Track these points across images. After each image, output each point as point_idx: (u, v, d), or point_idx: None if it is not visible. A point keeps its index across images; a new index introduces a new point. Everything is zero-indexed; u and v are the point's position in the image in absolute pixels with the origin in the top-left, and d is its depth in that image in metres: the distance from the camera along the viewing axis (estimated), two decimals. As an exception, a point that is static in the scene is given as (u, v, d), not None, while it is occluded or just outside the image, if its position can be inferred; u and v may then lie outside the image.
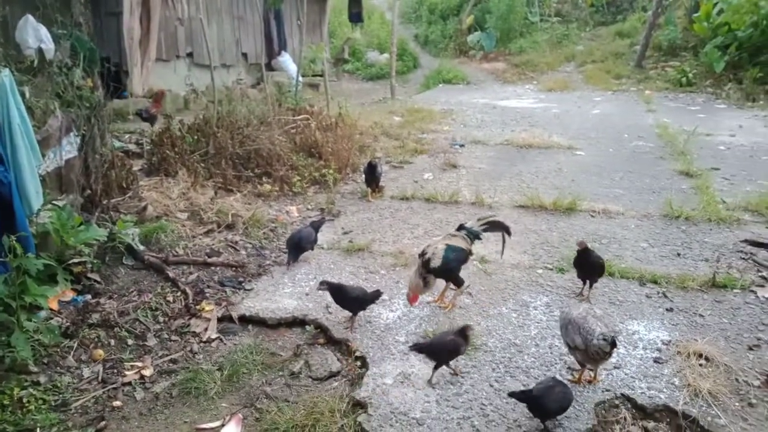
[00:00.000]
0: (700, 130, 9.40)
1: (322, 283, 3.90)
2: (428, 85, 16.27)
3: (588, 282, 4.23)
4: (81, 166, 5.00)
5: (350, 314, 3.92)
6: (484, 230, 4.17)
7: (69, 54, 5.06)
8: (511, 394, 2.97)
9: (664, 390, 3.21)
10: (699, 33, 14.88)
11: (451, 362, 3.33)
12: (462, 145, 8.89)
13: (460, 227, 4.17)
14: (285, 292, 4.39)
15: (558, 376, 3.18)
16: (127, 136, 8.20)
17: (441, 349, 3.29)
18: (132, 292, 4.33)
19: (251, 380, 3.44)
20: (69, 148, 4.79)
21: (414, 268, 4.06)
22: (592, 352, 3.04)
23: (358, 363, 3.56)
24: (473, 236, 4.12)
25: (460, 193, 6.48)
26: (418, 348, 3.36)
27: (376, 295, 3.91)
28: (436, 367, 3.29)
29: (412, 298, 4.00)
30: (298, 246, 4.78)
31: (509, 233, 4.17)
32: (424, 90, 15.78)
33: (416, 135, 9.46)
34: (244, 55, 13.65)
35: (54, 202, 4.43)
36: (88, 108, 5.07)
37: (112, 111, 8.23)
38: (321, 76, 11.89)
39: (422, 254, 3.99)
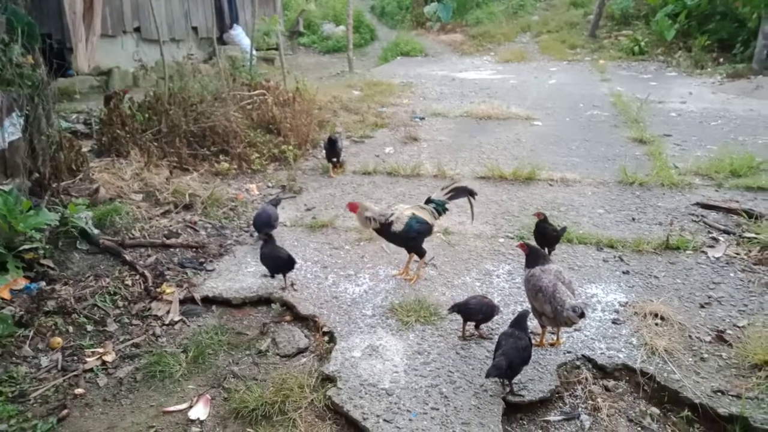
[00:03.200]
0: (652, 97, 9.66)
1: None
2: (386, 58, 16.12)
3: (546, 249, 4.33)
4: (26, 149, 4.74)
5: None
6: (450, 198, 4.18)
7: (5, 29, 4.76)
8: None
9: (623, 350, 3.34)
10: (650, 1, 15.18)
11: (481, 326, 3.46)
12: (422, 118, 8.88)
13: (428, 200, 4.17)
14: (248, 271, 4.33)
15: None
16: (74, 116, 7.86)
17: (477, 310, 3.38)
18: (88, 277, 4.19)
19: (218, 361, 3.40)
20: (12, 129, 4.54)
21: (377, 209, 4.06)
22: (560, 322, 3.13)
23: (326, 338, 3.56)
24: (441, 209, 4.14)
25: (422, 166, 6.49)
26: (456, 309, 3.43)
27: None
28: (466, 323, 3.45)
29: (351, 205, 4.09)
30: (269, 224, 4.70)
31: (474, 195, 4.20)
32: (382, 63, 15.64)
33: (376, 109, 9.40)
34: (194, 29, 13.19)
35: (-1, 186, 4.21)
36: (30, 87, 4.80)
37: (57, 90, 7.84)
38: (276, 49, 11.65)
39: (389, 214, 3.99)
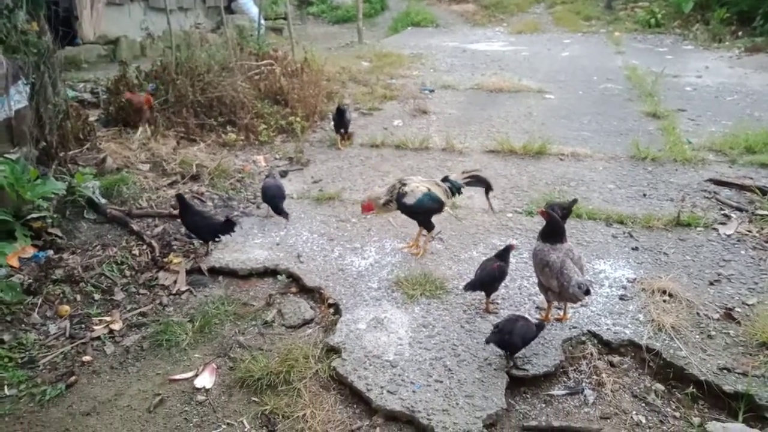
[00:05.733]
0: (667, 71, 9.45)
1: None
2: (396, 29, 15.85)
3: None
4: (33, 117, 4.73)
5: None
6: (467, 184, 4.12)
7: (9, -5, 4.70)
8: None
9: (629, 326, 3.32)
10: (668, -28, 14.75)
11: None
12: (432, 91, 8.75)
13: (445, 179, 4.11)
14: (255, 243, 4.33)
15: (527, 315, 3.24)
16: (81, 85, 7.82)
17: (491, 281, 3.39)
18: (96, 246, 4.21)
19: (224, 330, 3.42)
20: (18, 97, 4.52)
21: (386, 187, 4.04)
22: (566, 297, 3.11)
23: (331, 310, 3.56)
24: (456, 190, 4.08)
25: (430, 140, 6.42)
26: (470, 287, 3.42)
27: None
28: (489, 296, 3.50)
29: (365, 206, 4.05)
30: (282, 196, 4.64)
31: (491, 189, 4.11)
32: (392, 33, 15.38)
33: (385, 80, 9.27)
34: (203, -3, 13.01)
35: (6, 155, 4.21)
36: (36, 54, 4.76)
37: (64, 59, 7.79)
38: (284, 19, 11.47)
39: (403, 184, 3.96)
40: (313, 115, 7.12)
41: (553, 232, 3.21)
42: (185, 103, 6.30)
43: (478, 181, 4.12)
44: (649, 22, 14.41)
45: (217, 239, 4.21)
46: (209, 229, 4.11)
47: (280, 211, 4.57)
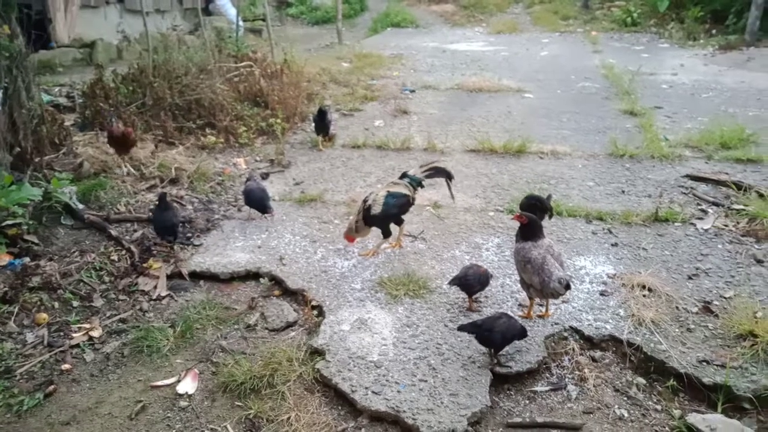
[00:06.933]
0: (644, 69, 9.58)
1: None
2: (376, 29, 15.85)
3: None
4: (6, 122, 4.65)
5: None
6: (427, 176, 4.14)
7: (-21, -3, 4.61)
8: (461, 328, 3.09)
9: (610, 321, 3.35)
10: (643, -28, 14.97)
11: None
12: (412, 91, 8.77)
13: (403, 175, 4.13)
14: (236, 246, 4.29)
15: (509, 312, 3.26)
16: (56, 89, 7.69)
17: (475, 281, 3.42)
18: (74, 252, 4.14)
19: (206, 335, 3.39)
20: (-10, 102, 4.43)
21: (352, 217, 4.10)
22: (547, 293, 3.13)
23: (315, 312, 3.55)
24: (416, 183, 4.09)
25: (411, 140, 6.42)
26: (456, 282, 3.45)
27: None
28: (471, 296, 3.51)
29: (347, 239, 4.14)
30: (267, 198, 4.62)
31: (451, 178, 4.15)
32: (372, 34, 15.38)
33: (366, 81, 9.26)
34: (180, -1, 12.88)
35: (-22, 161, 4.12)
36: (8, 58, 4.67)
37: (38, 62, 7.66)
38: (263, 20, 11.40)
39: (365, 201, 3.99)
40: (294, 117, 7.09)
41: (532, 231, 3.25)
42: (163, 106, 6.22)
43: (437, 171, 4.15)
44: (625, 21, 14.61)
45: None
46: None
47: (266, 208, 4.56)
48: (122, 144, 5.22)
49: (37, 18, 8.61)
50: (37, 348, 3.28)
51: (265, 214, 4.62)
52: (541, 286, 3.09)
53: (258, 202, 4.57)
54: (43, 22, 9.37)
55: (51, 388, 2.97)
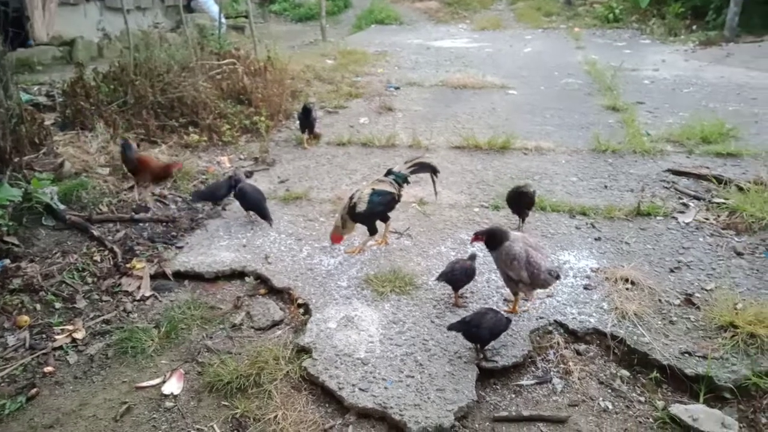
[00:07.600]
0: (626, 65, 9.69)
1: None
2: (360, 26, 15.83)
3: (521, 218, 4.36)
4: (-16, 122, 4.56)
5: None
6: (412, 172, 4.14)
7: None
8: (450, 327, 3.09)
9: (594, 314, 3.39)
10: (625, -32, 15.11)
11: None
12: (397, 88, 8.77)
13: (388, 172, 4.13)
14: (221, 245, 4.26)
15: (495, 307, 3.28)
16: (36, 88, 7.57)
17: (460, 277, 3.45)
18: (55, 253, 4.08)
19: (191, 335, 3.36)
20: (-33, 101, 4.35)
21: (337, 215, 4.08)
22: (537, 285, 3.17)
23: (301, 310, 3.54)
24: (401, 180, 4.10)
25: (396, 137, 6.43)
26: (443, 277, 3.47)
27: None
28: (457, 291, 3.53)
29: (334, 238, 4.11)
30: (264, 199, 4.55)
31: (436, 172, 4.17)
32: (356, 31, 15.35)
33: (350, 78, 9.24)
34: (161, -4, 12.73)
35: (-45, 162, 4.04)
36: (-15, 56, 4.59)
37: (17, 61, 7.53)
38: (246, 17, 11.31)
39: (350, 198, 3.98)
40: (278, 114, 7.05)
41: (496, 239, 3.29)
42: (145, 105, 6.15)
43: (422, 167, 4.16)
44: (607, 18, 14.75)
45: None
46: None
47: (266, 215, 4.45)
48: (161, 177, 4.86)
49: (15, 16, 8.44)
50: (18, 351, 3.23)
51: (266, 220, 4.47)
52: (531, 279, 3.12)
53: (257, 205, 4.48)
54: (21, 20, 9.21)
55: (33, 391, 2.93)
